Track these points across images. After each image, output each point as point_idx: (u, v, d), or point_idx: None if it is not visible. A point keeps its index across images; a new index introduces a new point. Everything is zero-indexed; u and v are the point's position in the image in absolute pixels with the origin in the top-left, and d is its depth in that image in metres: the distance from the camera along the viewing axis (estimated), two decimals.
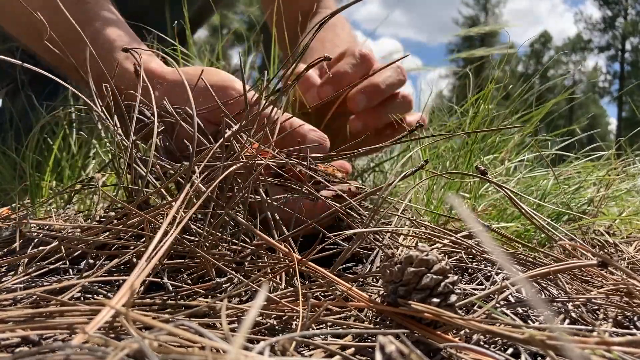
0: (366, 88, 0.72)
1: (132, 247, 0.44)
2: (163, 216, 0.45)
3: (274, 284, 0.42)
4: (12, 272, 0.44)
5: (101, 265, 0.46)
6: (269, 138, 0.51)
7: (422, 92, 1.12)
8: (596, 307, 0.42)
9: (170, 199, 0.47)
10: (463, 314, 0.38)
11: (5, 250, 0.48)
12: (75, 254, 0.46)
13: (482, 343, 0.34)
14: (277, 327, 0.36)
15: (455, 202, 0.28)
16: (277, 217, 0.48)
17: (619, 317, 0.41)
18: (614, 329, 0.38)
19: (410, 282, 0.35)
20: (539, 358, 0.33)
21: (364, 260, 0.52)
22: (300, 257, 0.40)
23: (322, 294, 0.43)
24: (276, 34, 0.82)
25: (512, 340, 0.31)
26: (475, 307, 0.40)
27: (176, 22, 0.88)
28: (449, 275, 0.36)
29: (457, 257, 0.51)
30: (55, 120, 0.81)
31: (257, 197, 0.49)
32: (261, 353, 0.26)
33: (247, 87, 0.51)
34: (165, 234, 0.35)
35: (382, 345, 0.27)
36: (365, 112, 0.74)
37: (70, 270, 0.46)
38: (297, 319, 0.35)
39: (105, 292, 0.41)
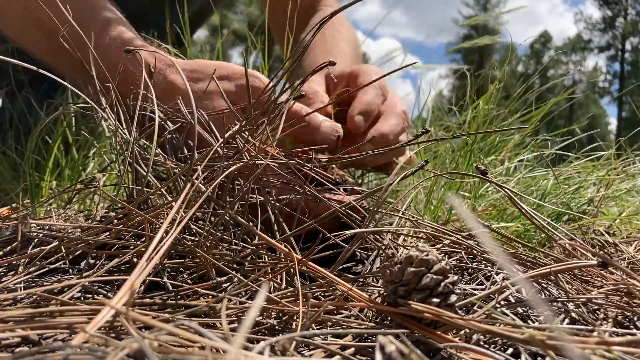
0: (375, 139, 0.69)
1: (132, 247, 0.44)
2: (163, 216, 0.45)
3: (274, 284, 0.42)
4: (13, 272, 0.44)
5: (101, 265, 0.46)
6: (283, 128, 0.50)
7: (422, 91, 1.12)
8: (596, 307, 0.42)
9: (170, 199, 0.47)
10: (463, 314, 0.38)
11: (5, 250, 0.48)
12: (76, 254, 0.47)
13: (482, 343, 0.34)
14: (277, 327, 0.36)
15: (455, 202, 0.28)
16: (281, 218, 0.48)
17: (619, 317, 0.41)
18: (614, 329, 0.38)
19: (410, 282, 0.35)
20: (539, 358, 0.33)
21: (364, 261, 0.52)
22: (300, 257, 0.40)
23: (322, 294, 0.43)
24: (275, 31, 0.81)
25: (512, 340, 0.31)
26: (475, 307, 0.40)
27: (174, 24, 0.88)
28: (449, 275, 0.36)
29: (457, 257, 0.51)
30: (54, 119, 0.80)
31: (258, 197, 0.49)
32: (261, 353, 0.26)
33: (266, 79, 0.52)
34: (166, 233, 0.35)
35: (382, 345, 0.27)
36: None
37: (71, 270, 0.46)
38: (297, 319, 0.35)
39: (105, 292, 0.41)
